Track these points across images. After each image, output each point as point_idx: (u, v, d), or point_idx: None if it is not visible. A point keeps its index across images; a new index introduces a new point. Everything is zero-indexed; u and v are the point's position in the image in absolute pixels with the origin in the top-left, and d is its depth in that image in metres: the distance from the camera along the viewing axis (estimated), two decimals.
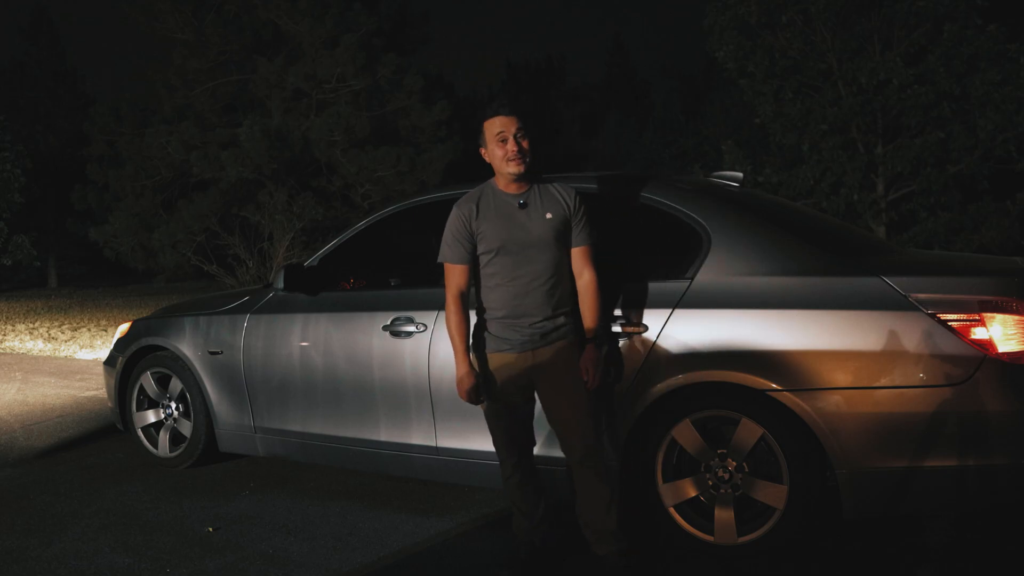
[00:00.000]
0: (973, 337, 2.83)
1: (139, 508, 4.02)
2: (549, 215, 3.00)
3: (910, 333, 2.88)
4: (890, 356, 2.88)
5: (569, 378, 3.01)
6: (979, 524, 3.46)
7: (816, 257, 3.17)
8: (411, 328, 3.72)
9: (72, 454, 5.12)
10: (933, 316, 2.87)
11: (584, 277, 3.04)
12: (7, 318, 15.17)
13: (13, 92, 28.83)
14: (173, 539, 3.58)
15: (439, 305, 3.68)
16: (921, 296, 2.90)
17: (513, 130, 2.96)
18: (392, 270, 4.36)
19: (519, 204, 3.01)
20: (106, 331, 12.02)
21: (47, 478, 4.58)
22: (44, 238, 27.60)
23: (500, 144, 2.97)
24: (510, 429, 3.07)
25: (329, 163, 18.53)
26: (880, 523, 3.47)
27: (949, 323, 2.85)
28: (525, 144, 2.97)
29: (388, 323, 3.80)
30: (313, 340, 4.06)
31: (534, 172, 3.06)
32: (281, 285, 4.13)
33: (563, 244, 3.03)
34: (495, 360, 3.01)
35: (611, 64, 41.13)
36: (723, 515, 3.11)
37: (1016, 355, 2.83)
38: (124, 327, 5.10)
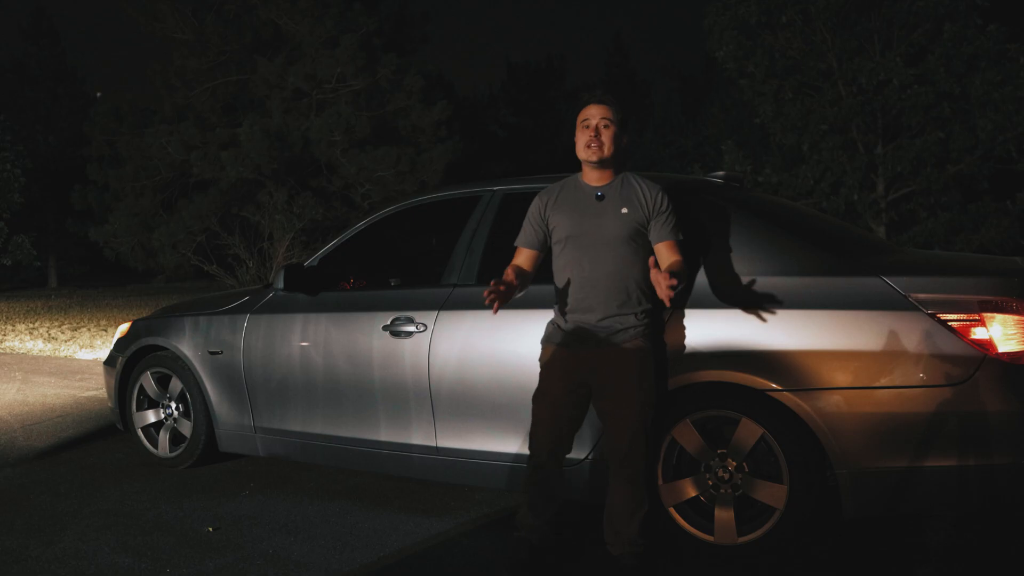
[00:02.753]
0: (973, 337, 2.83)
1: (139, 508, 4.02)
2: (625, 210, 2.96)
3: (910, 333, 2.87)
4: (890, 356, 2.88)
5: (625, 381, 2.94)
6: (979, 524, 3.46)
7: (816, 257, 3.17)
8: (411, 328, 3.72)
9: (72, 454, 5.12)
10: (933, 316, 2.87)
11: (672, 260, 2.95)
12: (7, 318, 15.17)
13: (13, 92, 28.85)
14: (173, 539, 3.58)
15: (439, 305, 3.68)
16: (921, 296, 2.90)
17: (598, 118, 2.96)
18: (392, 270, 4.37)
19: (596, 196, 3.00)
20: (106, 331, 12.03)
21: (47, 478, 4.58)
22: (44, 238, 27.65)
23: (583, 130, 2.97)
24: (550, 426, 3.02)
25: (329, 163, 18.54)
26: (880, 523, 3.47)
27: (949, 323, 2.85)
28: (606, 134, 2.95)
29: (388, 323, 3.80)
30: (313, 340, 4.06)
31: (621, 166, 3.03)
32: (281, 285, 4.13)
33: (636, 243, 2.96)
34: (558, 353, 3.00)
35: (611, 64, 41.12)
36: (723, 515, 3.11)
37: (1016, 355, 2.83)
38: (124, 327, 5.10)
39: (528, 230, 3.09)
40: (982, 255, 4.47)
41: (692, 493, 3.19)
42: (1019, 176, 12.34)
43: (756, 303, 3.08)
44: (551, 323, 3.09)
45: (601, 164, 2.98)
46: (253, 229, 16.66)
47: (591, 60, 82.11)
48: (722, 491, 3.13)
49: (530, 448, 3.09)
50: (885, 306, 2.92)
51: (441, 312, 3.66)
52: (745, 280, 3.14)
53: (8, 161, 22.62)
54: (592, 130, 2.95)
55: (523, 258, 3.09)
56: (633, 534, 2.99)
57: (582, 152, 2.98)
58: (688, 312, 3.18)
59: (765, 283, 3.11)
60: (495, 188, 3.85)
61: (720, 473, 3.13)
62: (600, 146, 2.94)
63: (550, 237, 3.08)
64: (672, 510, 3.20)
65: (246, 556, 3.37)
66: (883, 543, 3.29)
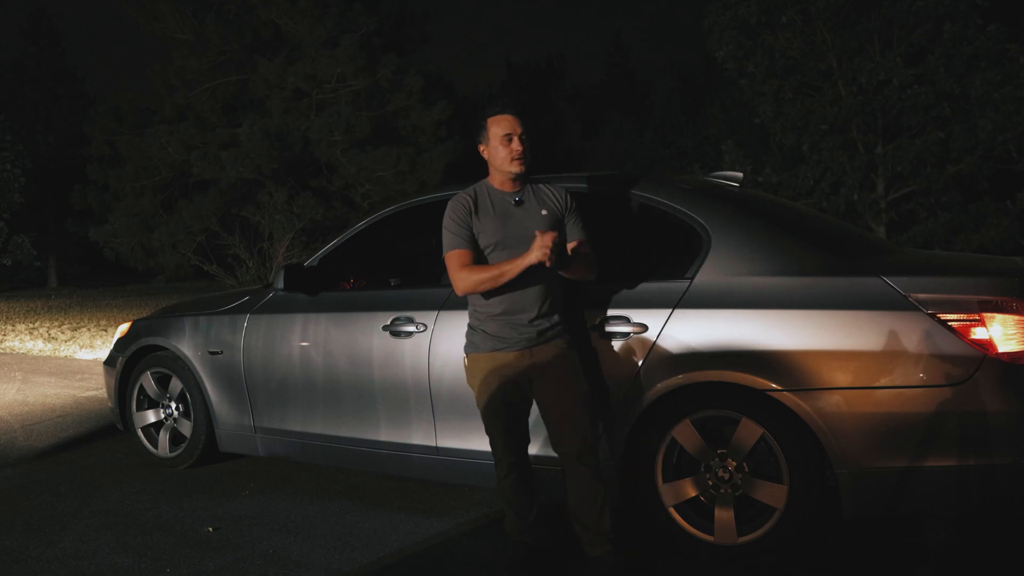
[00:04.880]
0: (973, 337, 2.83)
1: (139, 508, 4.02)
2: (544, 212, 3.06)
3: (910, 333, 2.87)
4: (890, 356, 2.88)
5: (567, 376, 3.03)
6: (979, 524, 3.46)
7: (816, 257, 3.17)
8: (411, 328, 3.72)
9: (72, 454, 5.12)
10: (933, 316, 2.87)
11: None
12: (7, 318, 15.17)
13: (13, 92, 28.83)
14: (173, 539, 3.59)
15: (439, 305, 3.68)
16: (921, 296, 2.90)
17: (519, 130, 3.01)
18: (392, 270, 4.36)
19: (515, 201, 3.06)
20: (106, 331, 12.03)
21: (47, 478, 4.58)
22: (44, 238, 27.63)
23: (505, 143, 3.00)
24: (509, 428, 3.07)
25: (329, 163, 18.53)
26: (880, 523, 3.48)
27: (949, 323, 2.85)
28: (527, 145, 3.02)
29: (388, 323, 3.80)
30: (313, 340, 4.06)
31: (527, 173, 3.10)
32: (281, 285, 4.13)
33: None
34: (494, 360, 3.01)
35: (611, 64, 41.17)
36: (723, 515, 3.11)
37: (1016, 355, 2.83)
38: (124, 327, 5.10)
39: (463, 233, 3.02)
40: (982, 255, 4.47)
41: (692, 493, 3.19)
42: (1019, 176, 12.33)
43: (756, 303, 3.08)
44: (475, 331, 3.08)
45: (522, 175, 3.05)
46: (253, 229, 16.66)
47: (591, 60, 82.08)
48: (722, 491, 3.13)
49: (495, 459, 3.12)
50: (885, 306, 2.92)
51: (441, 312, 3.66)
52: (745, 280, 3.15)
53: (8, 161, 22.61)
54: (517, 143, 3.00)
55: (467, 258, 3.02)
56: (607, 528, 3.01)
57: (509, 165, 3.01)
58: (688, 312, 3.18)
59: (765, 283, 3.11)
60: None
61: (720, 473, 3.13)
62: (526, 159, 3.02)
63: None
64: (672, 510, 3.20)
65: (246, 556, 3.37)
66: (883, 543, 3.29)
